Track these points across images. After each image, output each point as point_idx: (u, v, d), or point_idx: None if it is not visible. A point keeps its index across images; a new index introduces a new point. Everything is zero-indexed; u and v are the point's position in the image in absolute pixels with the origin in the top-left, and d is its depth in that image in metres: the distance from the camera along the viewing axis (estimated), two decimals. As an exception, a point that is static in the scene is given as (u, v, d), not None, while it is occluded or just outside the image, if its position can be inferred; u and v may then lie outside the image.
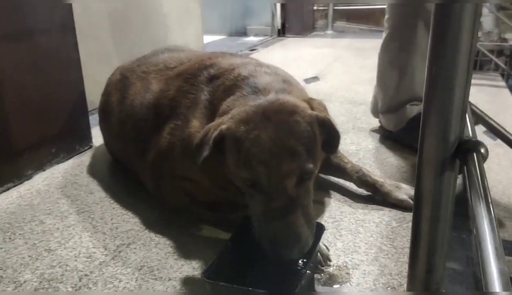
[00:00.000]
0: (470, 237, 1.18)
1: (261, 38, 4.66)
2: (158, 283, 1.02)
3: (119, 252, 1.14)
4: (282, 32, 4.77)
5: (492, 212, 0.62)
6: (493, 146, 1.81)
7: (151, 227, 1.25)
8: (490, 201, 0.64)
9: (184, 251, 1.14)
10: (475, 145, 0.77)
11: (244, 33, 4.86)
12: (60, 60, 1.67)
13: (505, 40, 3.82)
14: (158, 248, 1.15)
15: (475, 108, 1.51)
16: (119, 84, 1.52)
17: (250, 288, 0.83)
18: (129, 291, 1.00)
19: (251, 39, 4.65)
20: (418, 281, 0.85)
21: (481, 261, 0.51)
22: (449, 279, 1.02)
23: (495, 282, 0.50)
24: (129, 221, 1.28)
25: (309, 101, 1.07)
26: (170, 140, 1.21)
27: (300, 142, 0.95)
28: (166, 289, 1.00)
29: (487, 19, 3.76)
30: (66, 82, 1.71)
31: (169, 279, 1.03)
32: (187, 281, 1.03)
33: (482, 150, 0.77)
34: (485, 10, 3.74)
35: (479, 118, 1.57)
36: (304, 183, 0.96)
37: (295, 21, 4.74)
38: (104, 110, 1.57)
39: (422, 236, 0.83)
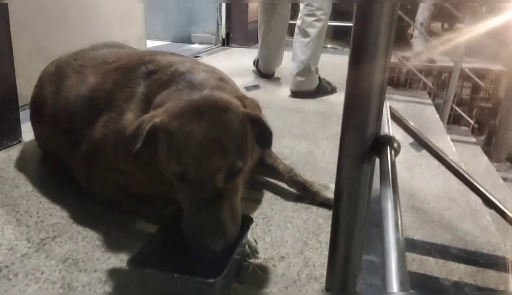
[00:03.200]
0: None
1: (206, 46, 4.68)
2: (83, 274, 1.00)
3: (43, 245, 1.11)
4: (227, 42, 4.82)
5: (398, 199, 0.68)
6: (418, 157, 1.95)
7: (79, 221, 1.22)
8: (397, 188, 0.70)
9: (113, 244, 1.13)
10: (389, 140, 0.84)
11: (188, 40, 4.85)
12: (-9, 51, 1.61)
13: (433, 61, 4.11)
14: (85, 241, 1.13)
15: (406, 122, 1.62)
16: (54, 76, 1.48)
17: (176, 274, 0.84)
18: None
19: (196, 46, 4.66)
20: (337, 267, 0.90)
21: (382, 234, 0.56)
22: (367, 270, 1.09)
23: (393, 264, 0.53)
24: (56, 215, 1.25)
25: (242, 99, 1.10)
26: (104, 133, 1.20)
27: (231, 139, 0.98)
28: (91, 280, 0.99)
29: (417, 41, 4.03)
30: (-4, 74, 1.64)
31: (95, 271, 1.02)
32: (113, 273, 1.02)
33: (395, 145, 0.84)
34: (416, 32, 4.02)
35: (408, 130, 1.68)
36: (232, 178, 0.99)
37: (240, 32, 4.81)
38: (37, 103, 1.52)
39: (341, 224, 0.88)
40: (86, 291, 0.95)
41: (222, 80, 1.18)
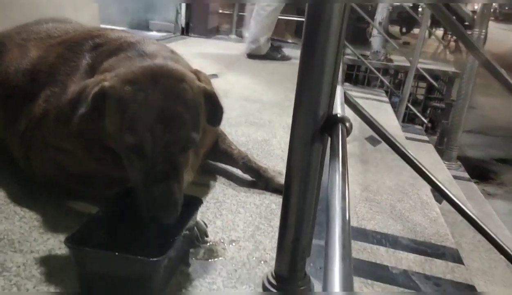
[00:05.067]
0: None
1: (164, 34, 4.57)
2: (18, 255, 0.94)
3: (-24, 225, 1.03)
4: (186, 31, 4.73)
5: (347, 173, 0.67)
6: (373, 152, 1.98)
7: (16, 201, 1.15)
8: (346, 163, 0.69)
9: (52, 225, 1.06)
10: (341, 119, 0.83)
11: (146, 27, 4.71)
12: None
13: (390, 60, 4.20)
14: (22, 222, 1.06)
15: (359, 107, 1.63)
16: (-6, 50, 1.39)
17: (117, 253, 0.80)
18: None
19: (153, 34, 4.53)
20: (286, 248, 0.88)
21: (328, 203, 0.54)
22: (317, 255, 1.08)
23: (336, 244, 0.50)
24: (-8, 195, 1.17)
25: (196, 73, 1.06)
26: (45, 108, 1.12)
27: (187, 111, 0.94)
28: (26, 261, 0.92)
29: (376, 40, 4.10)
30: None
31: (31, 252, 0.96)
32: (51, 254, 0.96)
33: (347, 124, 0.82)
34: (374, 31, 4.09)
35: (361, 115, 1.70)
36: (186, 151, 0.96)
37: (200, 21, 4.74)
38: (-26, 77, 1.42)
39: (291, 205, 0.86)
40: (21, 271, 0.89)
41: (174, 53, 1.13)
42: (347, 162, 0.69)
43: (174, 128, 0.91)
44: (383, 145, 1.99)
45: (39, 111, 1.13)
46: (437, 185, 1.27)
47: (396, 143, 1.24)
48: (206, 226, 1.09)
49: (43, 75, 1.17)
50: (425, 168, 1.26)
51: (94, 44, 1.16)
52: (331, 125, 0.82)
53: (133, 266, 0.81)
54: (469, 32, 3.22)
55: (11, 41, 1.37)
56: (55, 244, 0.99)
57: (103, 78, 0.96)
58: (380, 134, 1.25)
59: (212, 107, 1.03)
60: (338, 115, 0.83)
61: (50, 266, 0.92)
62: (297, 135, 0.85)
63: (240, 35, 4.69)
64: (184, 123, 0.93)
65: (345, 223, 0.46)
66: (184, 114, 0.93)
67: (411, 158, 1.24)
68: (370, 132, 2.06)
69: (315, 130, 0.82)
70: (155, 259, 0.79)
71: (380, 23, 3.96)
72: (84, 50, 1.16)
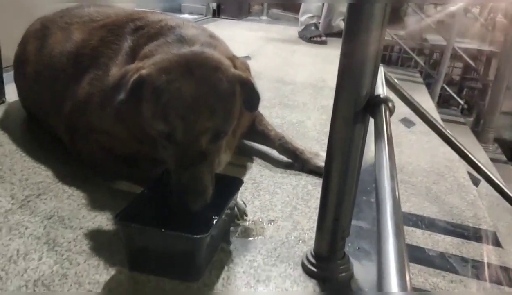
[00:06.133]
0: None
1: (196, 16, 4.59)
2: (68, 231, 0.99)
3: (28, 201, 1.09)
4: (217, 13, 4.74)
5: (393, 153, 0.67)
6: (407, 133, 1.95)
7: (65, 180, 1.20)
8: (391, 143, 0.69)
9: (99, 203, 1.10)
10: (384, 100, 0.82)
11: (178, 10, 4.74)
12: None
13: (425, 40, 4.08)
14: (71, 200, 1.11)
15: (399, 88, 1.60)
16: (39, 33, 1.43)
17: (163, 229, 0.83)
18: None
19: (185, 16, 4.56)
20: (326, 228, 0.89)
21: (376, 194, 0.54)
22: (356, 235, 1.09)
23: (389, 222, 0.52)
24: (41, 174, 1.22)
25: (233, 59, 1.07)
26: (89, 91, 1.16)
27: (220, 101, 0.96)
28: (77, 237, 0.97)
29: (411, 19, 3.99)
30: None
31: (81, 228, 1.00)
32: (100, 230, 1.00)
33: (390, 104, 0.82)
34: (409, 10, 3.98)
35: (401, 96, 1.68)
36: (217, 140, 0.98)
37: (231, 3, 4.72)
38: (20, 60, 1.47)
39: (332, 185, 0.87)
40: (72, 246, 0.94)
41: (213, 38, 1.14)
42: (393, 142, 0.69)
43: (206, 118, 0.93)
44: (418, 127, 1.97)
45: (83, 94, 1.17)
46: (477, 165, 1.25)
47: (436, 123, 1.23)
48: (245, 205, 1.11)
49: (87, 58, 1.21)
50: (465, 148, 1.24)
51: (135, 26, 1.19)
52: (374, 105, 0.82)
53: (178, 242, 0.84)
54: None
55: (54, 25, 1.41)
56: (103, 221, 1.03)
57: (141, 65, 0.99)
58: (420, 115, 1.23)
59: (248, 93, 1.04)
60: (381, 96, 0.83)
61: (98, 241, 0.96)
62: (339, 115, 0.85)
63: (271, 17, 4.66)
64: (215, 113, 0.94)
65: (395, 202, 0.47)
66: (217, 104, 0.95)
67: (451, 138, 1.23)
68: (404, 114, 2.03)
69: (357, 111, 0.83)
70: (198, 236, 0.82)
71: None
72: (125, 32, 1.19)
